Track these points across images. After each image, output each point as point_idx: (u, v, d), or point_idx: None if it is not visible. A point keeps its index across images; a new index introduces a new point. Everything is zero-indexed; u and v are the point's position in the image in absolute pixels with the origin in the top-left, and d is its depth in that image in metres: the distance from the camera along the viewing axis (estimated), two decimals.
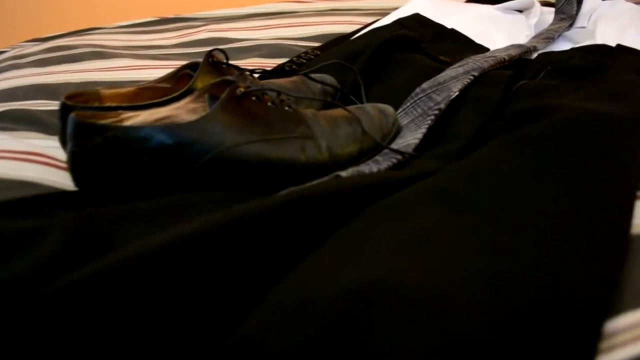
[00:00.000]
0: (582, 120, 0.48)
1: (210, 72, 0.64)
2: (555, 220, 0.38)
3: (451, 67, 0.75)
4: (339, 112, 0.61)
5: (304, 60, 0.86)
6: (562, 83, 0.68)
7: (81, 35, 1.15)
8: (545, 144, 0.46)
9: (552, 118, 0.49)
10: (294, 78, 0.73)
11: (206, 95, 0.59)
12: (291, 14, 1.24)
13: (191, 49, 1.03)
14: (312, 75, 0.73)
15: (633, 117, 0.50)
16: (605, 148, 0.45)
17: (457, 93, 0.65)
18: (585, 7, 1.08)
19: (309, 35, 1.10)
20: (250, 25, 1.15)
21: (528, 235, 0.36)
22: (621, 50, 0.77)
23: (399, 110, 0.68)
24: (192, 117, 0.59)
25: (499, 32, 1.01)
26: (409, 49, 0.84)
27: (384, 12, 1.26)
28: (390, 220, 0.38)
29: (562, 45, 0.97)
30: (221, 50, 0.67)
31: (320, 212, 0.40)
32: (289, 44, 1.02)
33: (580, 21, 1.04)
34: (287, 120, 0.57)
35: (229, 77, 0.58)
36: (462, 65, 0.74)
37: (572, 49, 0.81)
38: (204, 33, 1.11)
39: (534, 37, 0.94)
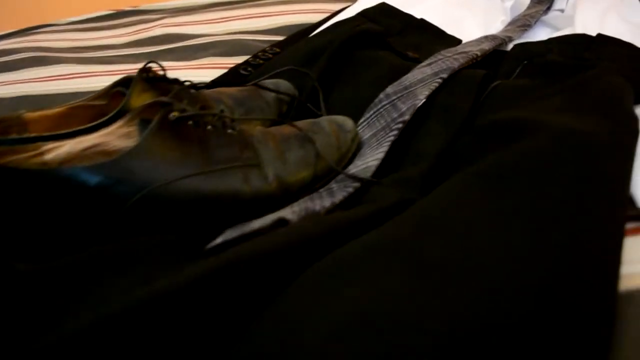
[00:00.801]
0: (562, 147, 0.42)
1: (145, 89, 0.58)
2: (531, 281, 0.32)
3: (419, 67, 0.69)
4: (291, 130, 0.54)
5: (261, 61, 0.79)
6: (539, 83, 0.62)
7: (27, 35, 1.06)
8: (520, 181, 0.40)
9: (527, 143, 0.43)
10: (246, 86, 0.66)
11: (137, 120, 0.52)
12: (254, 3, 1.16)
13: (143, 48, 0.95)
14: (267, 82, 0.67)
15: (618, 138, 0.45)
16: (589, 183, 0.39)
17: (423, 100, 0.59)
18: None
19: (271, 27, 1.02)
20: (209, 18, 1.07)
21: (495, 305, 0.31)
22: (602, 40, 0.71)
23: (361, 121, 0.62)
24: (124, 144, 0.53)
25: (473, 19, 0.94)
26: (374, 44, 0.77)
27: None
28: (331, 291, 0.32)
29: (539, 32, 0.91)
30: (158, 64, 0.60)
31: (254, 277, 0.34)
32: (248, 39, 0.94)
33: (559, 3, 0.97)
34: (229, 146, 0.51)
35: (163, 99, 0.51)
36: (431, 64, 0.68)
37: (550, 40, 0.75)
38: (158, 29, 1.03)
39: (509, 25, 0.87)
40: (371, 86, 0.68)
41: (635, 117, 0.49)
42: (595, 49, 0.69)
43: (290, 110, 0.66)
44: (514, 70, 0.69)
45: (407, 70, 0.70)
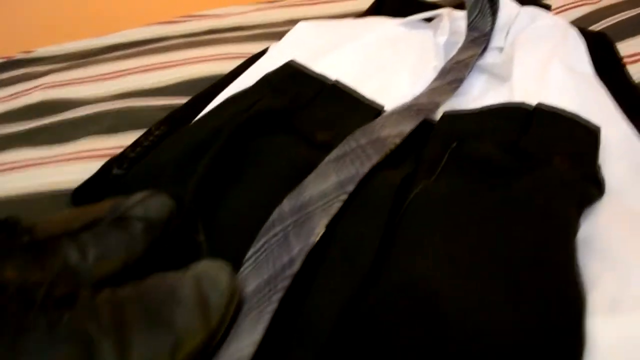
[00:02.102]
0: None
1: None
2: None
3: (325, 163, 0.56)
4: (141, 306, 0.42)
5: (141, 148, 0.65)
6: (466, 192, 0.51)
7: None
8: None
9: None
10: (106, 210, 0.53)
11: None
12: (159, 45, 1.01)
13: (12, 125, 0.80)
14: (134, 201, 0.54)
15: (561, 344, 0.33)
16: None
17: (320, 235, 0.47)
18: (502, 18, 0.89)
19: (173, 82, 0.88)
20: (100, 73, 0.92)
21: None
22: (542, 115, 0.60)
23: (249, 255, 0.49)
24: None
25: (401, 67, 0.82)
26: (276, 126, 0.64)
27: (273, 31, 1.05)
28: None
29: (474, 79, 0.79)
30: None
31: None
32: (139, 107, 0.80)
33: (497, 39, 0.86)
34: (51, 348, 0.38)
35: None
36: (338, 164, 0.55)
37: (483, 113, 0.63)
38: (38, 92, 0.87)
39: (439, 77, 0.75)
40: (268, 193, 0.55)
41: (579, 283, 0.39)
42: (534, 130, 0.57)
43: (165, 238, 0.53)
44: (440, 157, 0.57)
45: (312, 164, 0.57)
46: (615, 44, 0.85)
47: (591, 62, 0.75)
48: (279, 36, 1.01)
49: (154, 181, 0.58)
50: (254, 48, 0.97)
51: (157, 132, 0.68)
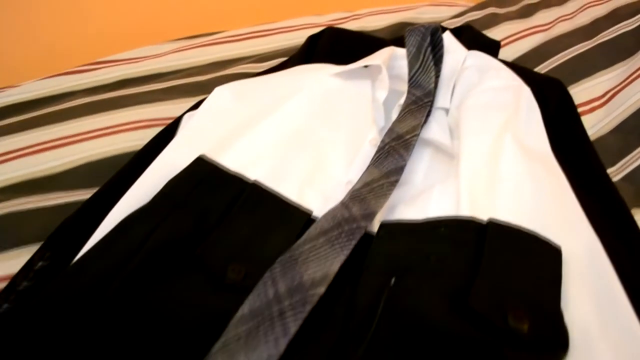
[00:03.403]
0: None
1: None
2: None
3: (234, 325, 0.46)
4: None
5: (16, 295, 0.54)
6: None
7: None
8: None
9: None
10: None
11: None
12: (59, 108, 0.88)
13: None
14: None
15: None
16: None
17: None
18: (447, 67, 0.80)
19: (71, 166, 0.75)
20: None
21: None
22: (494, 242, 0.50)
23: None
24: None
25: (333, 143, 0.71)
26: (180, 261, 0.53)
27: (193, 81, 0.93)
28: None
29: (417, 154, 0.70)
30: None
31: None
32: (30, 209, 0.67)
33: (441, 97, 0.76)
34: None
35: None
36: (251, 325, 0.45)
37: (426, 231, 0.53)
38: None
39: (376, 163, 0.65)
40: None
41: None
42: (485, 272, 0.48)
43: None
44: (375, 306, 0.48)
45: (222, 320, 0.47)
46: (571, 96, 0.76)
47: (546, 134, 0.67)
48: (199, 89, 0.90)
49: (30, 353, 0.47)
50: (171, 109, 0.85)
51: (40, 264, 0.56)
